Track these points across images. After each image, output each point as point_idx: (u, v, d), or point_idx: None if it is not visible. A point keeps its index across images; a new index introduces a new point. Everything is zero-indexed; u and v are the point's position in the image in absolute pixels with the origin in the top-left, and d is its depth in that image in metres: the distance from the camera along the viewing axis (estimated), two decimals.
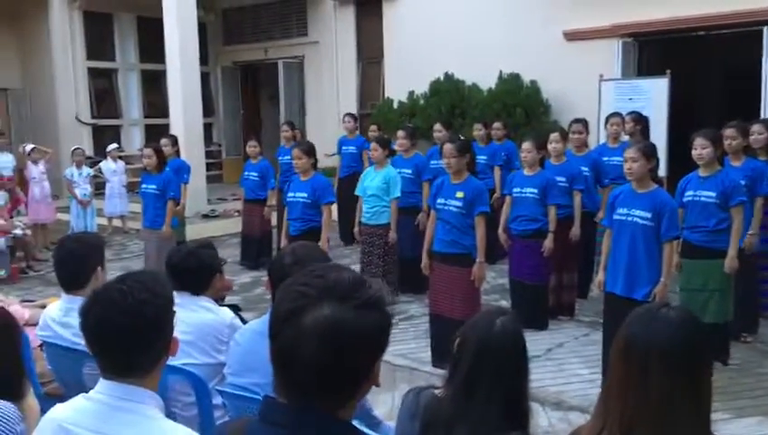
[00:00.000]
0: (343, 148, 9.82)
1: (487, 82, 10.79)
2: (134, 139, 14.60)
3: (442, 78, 11.29)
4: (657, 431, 1.59)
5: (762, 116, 8.33)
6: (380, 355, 1.32)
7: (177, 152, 8.68)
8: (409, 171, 7.38)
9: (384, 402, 4.39)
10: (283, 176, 8.86)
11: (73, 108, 13.53)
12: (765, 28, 8.77)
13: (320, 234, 6.31)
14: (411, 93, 11.64)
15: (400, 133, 7.68)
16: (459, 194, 5.24)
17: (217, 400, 2.89)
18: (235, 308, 3.33)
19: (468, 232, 5.25)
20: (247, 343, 2.68)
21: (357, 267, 7.22)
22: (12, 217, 9.09)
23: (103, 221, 10.98)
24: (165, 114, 12.22)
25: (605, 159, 6.97)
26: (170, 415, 2.64)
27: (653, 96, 8.87)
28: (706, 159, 5.11)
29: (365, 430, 2.32)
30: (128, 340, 1.78)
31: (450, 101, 10.92)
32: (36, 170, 9.80)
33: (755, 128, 5.89)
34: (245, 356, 2.64)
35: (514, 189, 6.29)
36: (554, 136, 6.60)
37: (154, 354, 1.83)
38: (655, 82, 9.05)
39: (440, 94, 11.11)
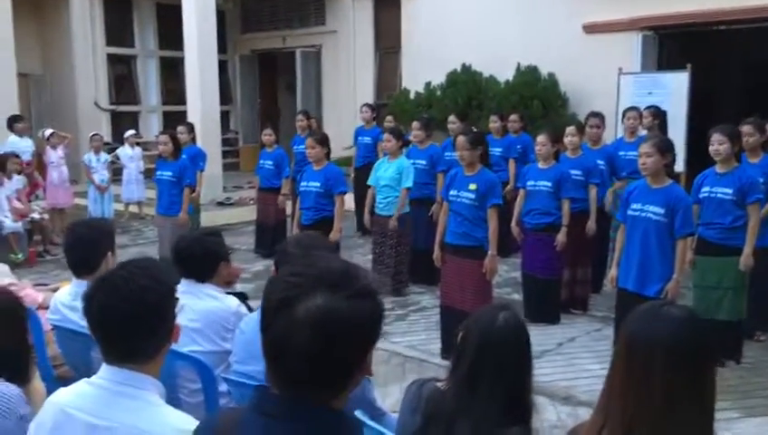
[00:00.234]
0: (359, 138, 9.80)
1: (505, 74, 10.73)
2: (152, 125, 14.66)
3: (459, 69, 11.24)
4: (660, 430, 1.57)
5: None
6: (373, 345, 1.32)
7: (194, 139, 8.72)
8: (424, 162, 7.34)
9: (392, 394, 4.40)
10: (298, 165, 8.84)
11: (92, 94, 13.62)
12: None
13: (332, 223, 6.31)
14: (428, 84, 11.59)
15: (415, 124, 7.64)
16: (472, 186, 5.22)
17: (223, 387, 2.90)
18: (242, 296, 3.33)
19: (480, 224, 5.23)
20: (251, 331, 2.68)
21: (369, 258, 7.26)
22: (30, 202, 9.18)
23: (120, 207, 11.07)
24: (183, 101, 12.26)
25: (621, 153, 6.93)
26: (176, 401, 2.67)
27: (673, 90, 8.78)
28: (723, 155, 5.05)
29: (365, 420, 2.33)
30: (130, 326, 1.79)
31: (467, 93, 10.87)
32: (55, 155, 9.87)
33: None
34: (250, 344, 2.65)
35: (528, 183, 6.25)
36: (570, 129, 6.58)
37: (156, 341, 1.85)
38: (675, 76, 8.96)
39: (457, 86, 11.06)
